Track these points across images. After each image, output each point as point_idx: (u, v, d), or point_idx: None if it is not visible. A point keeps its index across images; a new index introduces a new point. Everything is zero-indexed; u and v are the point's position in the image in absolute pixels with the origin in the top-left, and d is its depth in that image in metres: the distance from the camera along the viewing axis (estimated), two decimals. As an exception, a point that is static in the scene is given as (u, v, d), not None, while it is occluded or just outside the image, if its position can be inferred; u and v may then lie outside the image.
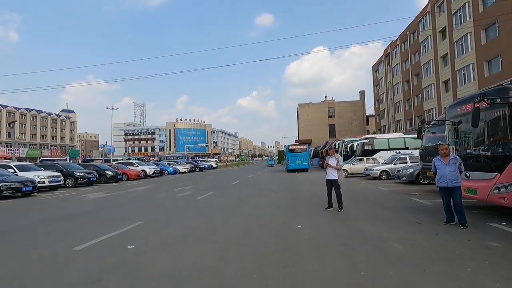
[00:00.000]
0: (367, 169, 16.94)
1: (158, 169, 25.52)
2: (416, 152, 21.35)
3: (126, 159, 63.00)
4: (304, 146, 28.24)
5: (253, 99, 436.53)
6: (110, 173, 19.72)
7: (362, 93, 63.09)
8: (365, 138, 23.88)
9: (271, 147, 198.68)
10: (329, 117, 62.39)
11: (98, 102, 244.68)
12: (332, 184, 7.48)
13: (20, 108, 78.84)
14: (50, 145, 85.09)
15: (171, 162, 33.31)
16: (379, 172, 16.21)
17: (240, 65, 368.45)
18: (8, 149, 70.99)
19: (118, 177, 20.38)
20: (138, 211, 8.26)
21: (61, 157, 67.77)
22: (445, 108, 27.95)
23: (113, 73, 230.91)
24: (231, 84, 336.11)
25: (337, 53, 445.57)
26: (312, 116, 61.91)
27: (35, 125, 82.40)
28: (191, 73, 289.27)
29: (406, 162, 16.13)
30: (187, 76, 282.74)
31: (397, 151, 22.06)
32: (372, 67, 56.14)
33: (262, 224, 6.19)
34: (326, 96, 68.35)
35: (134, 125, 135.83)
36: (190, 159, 51.41)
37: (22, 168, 14.85)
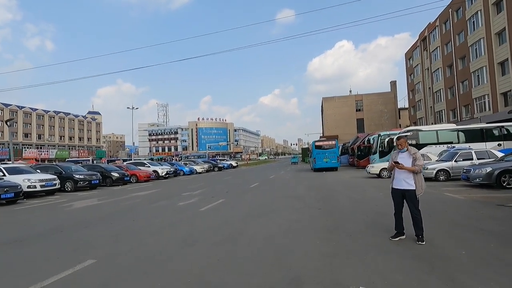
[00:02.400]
0: (417, 168, 13.49)
1: (171, 169, 23.45)
2: (476, 147, 17.48)
3: (149, 159, 62.83)
4: (333, 142, 24.88)
5: (275, 97, 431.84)
6: (116, 175, 17.79)
7: (393, 83, 57.84)
8: (408, 131, 20.17)
9: (294, 144, 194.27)
10: (356, 110, 57.85)
11: (126, 104, 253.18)
12: (404, 198, 4.51)
13: (48, 111, 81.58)
14: (78, 146, 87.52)
15: (187, 162, 31.30)
16: (435, 171, 12.76)
17: (262, 62, 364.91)
18: (39, 151, 73.64)
19: (126, 179, 18.43)
20: (104, 237, 5.75)
21: (87, 157, 69.08)
22: (502, 94, 23.19)
23: (140, 77, 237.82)
24: (253, 82, 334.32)
25: (362, 46, 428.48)
26: (338, 110, 57.70)
27: (63, 127, 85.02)
28: (214, 73, 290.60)
29: (472, 159, 12.55)
30: (210, 76, 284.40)
31: (449, 145, 18.28)
32: (405, 54, 50.94)
33: (290, 281, 3.36)
34: (350, 91, 63.76)
35: (157, 126, 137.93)
36: (210, 158, 49.53)
37: (12, 171, 13.11)
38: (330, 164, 24.27)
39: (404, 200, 4.55)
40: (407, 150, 4.54)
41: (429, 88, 40.98)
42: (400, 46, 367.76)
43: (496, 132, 18.50)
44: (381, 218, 6.14)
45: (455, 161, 12.66)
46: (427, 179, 12.99)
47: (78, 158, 68.47)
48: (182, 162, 31.08)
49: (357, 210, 7.21)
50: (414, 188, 4.42)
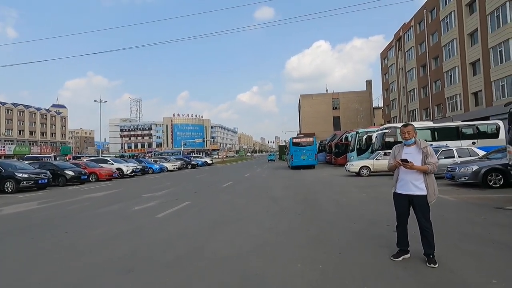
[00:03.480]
0: (399, 166, 12.88)
1: (138, 167, 21.50)
2: (452, 145, 17.37)
3: (120, 156, 59.25)
4: (311, 139, 24.16)
5: (254, 94, 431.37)
6: (70, 173, 15.69)
7: (369, 82, 58.80)
8: (386, 128, 19.81)
9: (271, 142, 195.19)
10: (333, 109, 58.18)
11: (97, 98, 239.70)
12: (412, 205, 3.46)
13: (5, 103, 74.60)
14: (40, 142, 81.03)
15: (157, 159, 29.27)
16: (417, 170, 12.15)
17: (240, 59, 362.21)
18: (-6, 146, 67.10)
19: (83, 178, 16.36)
20: (6, 261, 4.21)
21: (55, 154, 63.95)
22: (473, 93, 23.49)
23: (113, 69, 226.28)
24: (231, 79, 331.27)
25: (339, 47, 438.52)
26: (315, 108, 57.68)
27: (23, 121, 78.18)
28: (192, 68, 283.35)
29: (453, 157, 12.10)
30: (188, 71, 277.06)
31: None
32: (381, 53, 51.76)
33: None
34: (327, 90, 63.97)
35: (130, 121, 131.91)
36: (184, 155, 47.33)
37: None
38: (308, 161, 23.54)
39: (410, 209, 3.50)
40: (414, 143, 3.48)
41: (403, 87, 41.75)
42: (374, 48, 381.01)
43: (470, 131, 18.58)
44: (372, 227, 5.11)
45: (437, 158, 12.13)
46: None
47: (40, 154, 63.29)
48: (152, 160, 29.00)
49: (342, 215, 6.16)
50: (425, 193, 3.37)
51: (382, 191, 9.43)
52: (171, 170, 27.75)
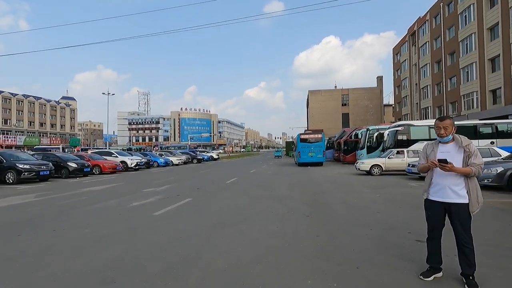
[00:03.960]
0: (413, 165, 12.17)
1: (143, 160, 21.19)
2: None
3: (127, 149, 59.54)
4: (319, 135, 23.43)
5: (261, 90, 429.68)
6: (73, 165, 15.44)
7: (379, 79, 57.31)
8: (399, 125, 18.97)
9: (278, 138, 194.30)
10: (342, 105, 57.01)
11: (106, 91, 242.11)
12: (448, 215, 2.85)
13: (16, 94, 75.62)
14: (50, 133, 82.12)
15: (163, 153, 28.99)
16: (433, 170, 11.42)
17: (249, 55, 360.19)
18: (4, 137, 68.24)
19: (86, 170, 16.10)
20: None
21: (63, 145, 64.74)
22: (491, 91, 22.32)
23: (122, 63, 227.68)
24: (239, 74, 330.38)
25: (348, 43, 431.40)
26: (323, 104, 56.61)
27: (33, 112, 79.25)
28: (200, 63, 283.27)
29: (473, 157, 11.27)
30: (196, 66, 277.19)
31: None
32: (393, 49, 50.26)
33: None
34: (335, 87, 62.62)
35: (138, 114, 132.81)
36: (190, 149, 47.08)
37: None
38: (316, 158, 22.87)
39: (445, 219, 2.90)
40: (453, 139, 2.87)
41: (416, 84, 40.44)
42: (385, 44, 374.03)
43: (489, 130, 17.63)
44: (391, 234, 4.52)
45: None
46: (420, 177, 11.71)
47: (49, 146, 64.09)
48: (157, 153, 28.74)
49: (355, 219, 5.57)
50: (466, 201, 2.76)
51: (396, 192, 8.78)
52: (176, 164, 27.45)
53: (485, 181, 8.75)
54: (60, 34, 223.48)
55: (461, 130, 18.09)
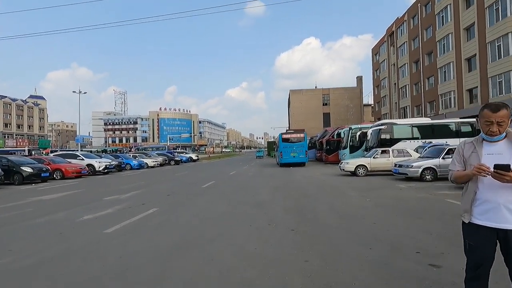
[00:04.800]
0: (400, 165, 11.61)
1: (113, 163, 19.51)
2: (452, 143, 16.30)
3: (102, 150, 56.40)
4: (302, 135, 22.72)
5: (243, 90, 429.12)
6: (28, 170, 13.65)
7: (359, 79, 57.96)
8: (382, 124, 18.59)
9: (259, 138, 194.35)
10: (323, 105, 57.07)
11: (80, 90, 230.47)
12: (502, 245, 1.94)
13: (-23, 93, 69.86)
14: (16, 135, 76.61)
15: (137, 154, 27.20)
16: (421, 169, 10.90)
17: (230, 55, 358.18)
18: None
19: (44, 175, 14.33)
20: None
21: (29, 147, 60.35)
22: (468, 90, 22.48)
23: (98, 61, 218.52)
24: (220, 74, 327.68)
25: (328, 44, 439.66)
26: (305, 104, 56.41)
27: (-3, 112, 73.59)
28: (180, 62, 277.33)
29: (460, 156, 10.85)
30: (176, 66, 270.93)
31: (425, 141, 16.97)
32: (372, 49, 50.90)
33: None
34: (316, 87, 62.70)
35: (114, 114, 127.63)
36: (168, 151, 45.11)
37: None
38: (298, 159, 22.14)
39: (495, 251, 2.00)
40: (505, 136, 1.97)
41: (395, 84, 40.97)
42: (363, 46, 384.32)
43: (469, 128, 17.60)
44: (395, 256, 3.63)
45: (443, 158, 10.91)
46: (411, 179, 11.15)
47: (15, 148, 59.57)
48: (131, 155, 26.93)
49: (349, 233, 4.66)
50: (531, 226, 1.86)
51: (386, 196, 8.04)
52: (152, 167, 25.79)
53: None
54: (28, 29, 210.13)
55: (444, 128, 17.99)
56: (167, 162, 29.59)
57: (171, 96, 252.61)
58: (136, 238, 4.69)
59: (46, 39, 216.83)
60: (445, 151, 11.07)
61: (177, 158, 31.48)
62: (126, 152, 42.12)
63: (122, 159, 23.24)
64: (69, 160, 17.67)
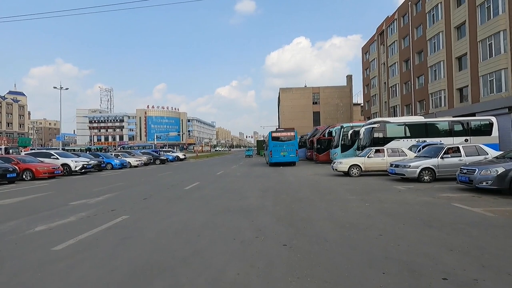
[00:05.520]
0: (397, 166, 10.96)
1: (91, 162, 18.20)
2: (445, 142, 15.86)
3: (86, 149, 54.19)
4: (292, 133, 21.96)
5: (233, 89, 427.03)
6: (-9, 170, 12.32)
7: (349, 77, 57.79)
8: (374, 122, 18.02)
9: (249, 137, 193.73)
10: (313, 103, 56.62)
11: (65, 86, 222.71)
12: None
13: (-50, 87, 66.06)
14: (-7, 132, 73.07)
15: (120, 153, 25.81)
16: (419, 170, 10.26)
17: (220, 53, 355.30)
18: None
19: (10, 176, 13.02)
20: None
21: (7, 146, 57.43)
22: (458, 89, 22.16)
23: (84, 57, 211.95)
24: (210, 72, 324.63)
25: (318, 44, 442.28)
26: (295, 102, 55.85)
27: (-28, 108, 69.92)
28: (169, 59, 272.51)
29: (460, 156, 10.32)
30: (165, 63, 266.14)
31: (419, 140, 16.49)
32: (362, 48, 50.75)
33: None
34: (305, 86, 62.27)
35: (100, 112, 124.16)
36: (153, 149, 43.60)
37: None
38: (288, 158, 21.38)
39: None
40: None
41: (385, 83, 40.83)
42: (352, 47, 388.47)
43: (462, 127, 17.24)
44: (417, 284, 2.82)
45: (441, 157, 10.31)
46: (409, 180, 10.52)
47: (-7, 146, 56.61)
48: (113, 154, 25.53)
49: (354, 251, 3.84)
50: None
51: (387, 200, 7.30)
52: (135, 166, 24.52)
53: (484, 184, 7.59)
54: (10, 25, 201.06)
55: (437, 127, 17.58)
56: (152, 161, 28.32)
57: (160, 94, 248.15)
58: (88, 260, 3.72)
59: (28, 32, 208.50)
60: (444, 151, 10.47)
61: (162, 157, 30.20)
62: (112, 151, 40.42)
63: (103, 158, 21.90)
64: (41, 159, 16.30)
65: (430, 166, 10.28)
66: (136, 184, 12.49)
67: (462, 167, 8.48)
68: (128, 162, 23.72)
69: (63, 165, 16.59)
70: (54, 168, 15.19)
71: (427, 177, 10.24)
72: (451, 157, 10.31)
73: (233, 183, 11.81)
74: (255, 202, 7.41)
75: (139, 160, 25.39)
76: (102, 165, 20.34)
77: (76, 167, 16.91)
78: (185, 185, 11.48)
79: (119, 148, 56.95)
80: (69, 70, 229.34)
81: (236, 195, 8.64)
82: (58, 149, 38.49)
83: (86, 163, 17.61)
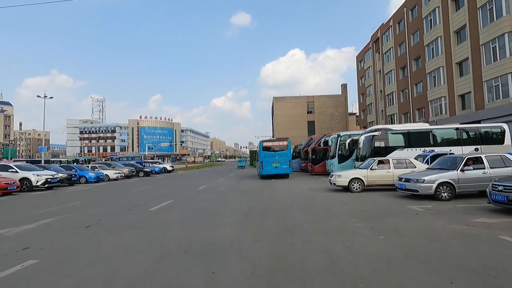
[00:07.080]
0: (407, 180, 9.12)
1: (57, 176, 16.06)
2: (454, 151, 14.19)
3: (74, 160, 51.58)
4: (285, 142, 20.10)
5: (228, 100, 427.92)
6: None
7: (344, 86, 56.77)
8: (375, 130, 16.31)
9: (244, 147, 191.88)
10: (308, 113, 55.26)
11: (59, 98, 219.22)
12: None
13: None
14: (-24, 143, 69.96)
15: (97, 165, 23.60)
16: (435, 185, 8.43)
17: (215, 64, 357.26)
18: None
19: None
20: None
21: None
22: (460, 96, 20.13)
23: (79, 68, 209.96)
24: (206, 83, 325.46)
25: (313, 56, 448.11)
26: (289, 111, 54.40)
27: (-46, 118, 67.00)
28: (165, 71, 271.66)
29: (483, 168, 8.55)
30: (161, 74, 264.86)
31: (425, 149, 14.79)
32: (357, 57, 49.89)
33: None
34: (300, 95, 61.10)
35: (91, 122, 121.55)
36: (138, 161, 41.32)
37: None
38: (281, 170, 19.47)
39: None
40: None
41: (381, 91, 39.63)
42: (345, 59, 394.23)
43: (472, 135, 15.62)
44: None
45: (461, 170, 8.53)
46: (424, 197, 8.67)
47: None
48: (90, 166, 23.34)
49: None
50: None
51: (406, 229, 5.41)
52: (114, 179, 22.37)
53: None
54: (8, 34, 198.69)
55: (444, 135, 15.92)
56: (134, 173, 26.12)
57: (156, 105, 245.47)
58: None
59: (23, 41, 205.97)
60: (464, 161, 8.70)
61: (147, 169, 28.03)
62: (106, 161, 37.87)
63: (76, 170, 19.74)
64: (-4, 173, 14.14)
65: (449, 181, 8.48)
66: (95, 203, 10.42)
67: (495, 183, 6.67)
68: (106, 175, 21.56)
69: (23, 179, 14.47)
70: (8, 184, 13.04)
71: (445, 194, 8.42)
72: (473, 169, 8.53)
73: (212, 202, 9.83)
74: (229, 234, 5.46)
75: (119, 173, 23.22)
76: (73, 179, 18.18)
77: (37, 181, 14.76)
78: (153, 204, 9.47)
79: (103, 160, 54.40)
80: (64, 81, 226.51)
81: (208, 221, 6.68)
82: (41, 161, 36.05)
83: (50, 177, 15.46)
